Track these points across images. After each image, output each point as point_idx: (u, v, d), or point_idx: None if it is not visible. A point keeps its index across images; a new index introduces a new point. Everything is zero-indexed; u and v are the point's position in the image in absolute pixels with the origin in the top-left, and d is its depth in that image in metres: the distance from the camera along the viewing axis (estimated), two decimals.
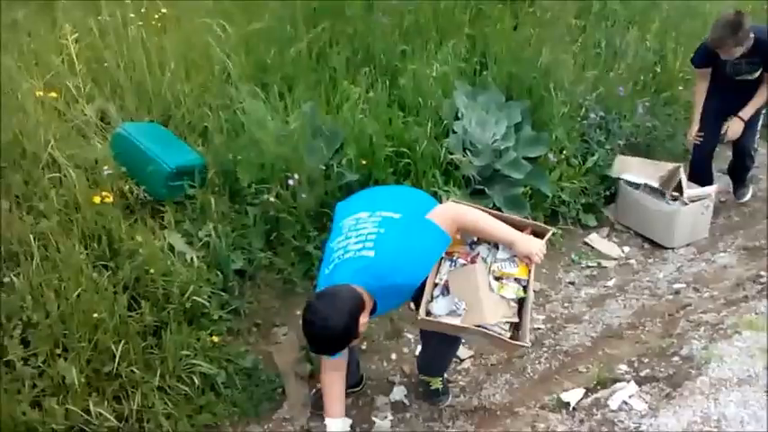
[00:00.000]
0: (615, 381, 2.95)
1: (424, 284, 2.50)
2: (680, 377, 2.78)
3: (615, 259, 4.27)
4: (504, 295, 2.55)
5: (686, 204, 4.20)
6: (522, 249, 2.53)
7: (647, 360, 3.06)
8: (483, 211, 2.62)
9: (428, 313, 2.50)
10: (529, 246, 2.54)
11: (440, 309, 2.52)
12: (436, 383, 3.11)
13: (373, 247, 2.35)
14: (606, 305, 3.79)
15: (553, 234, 4.10)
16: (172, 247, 3.01)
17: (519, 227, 2.64)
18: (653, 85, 4.86)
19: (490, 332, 2.46)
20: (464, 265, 2.59)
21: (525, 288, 2.60)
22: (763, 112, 4.35)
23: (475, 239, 2.68)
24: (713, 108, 4.26)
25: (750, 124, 4.23)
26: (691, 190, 4.27)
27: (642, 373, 2.94)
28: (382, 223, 2.43)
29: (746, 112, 4.14)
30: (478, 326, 2.45)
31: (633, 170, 4.40)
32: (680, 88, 4.90)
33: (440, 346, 2.91)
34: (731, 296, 3.42)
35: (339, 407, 2.54)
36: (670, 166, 4.35)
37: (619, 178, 4.40)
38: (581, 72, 4.48)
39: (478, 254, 2.62)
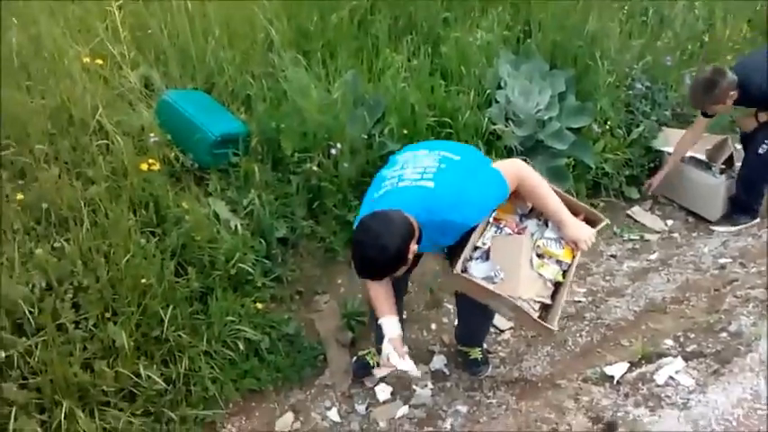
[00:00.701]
0: (660, 356, 2.92)
1: (463, 241, 2.43)
2: (728, 353, 2.74)
3: (658, 232, 4.20)
4: (542, 273, 2.50)
5: (732, 177, 4.09)
6: (572, 233, 2.47)
7: (693, 335, 3.02)
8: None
9: (464, 270, 2.45)
10: (579, 231, 2.48)
11: (477, 271, 2.46)
12: (475, 353, 3.11)
13: (433, 178, 2.29)
14: (649, 279, 3.74)
15: (594, 206, 4.10)
16: (217, 215, 3.03)
17: (574, 211, 2.57)
18: (700, 54, 4.71)
19: (520, 306, 2.43)
20: (510, 234, 2.56)
21: (565, 273, 2.54)
22: None
23: (526, 212, 2.63)
24: None
25: (765, 123, 3.86)
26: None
27: (689, 349, 2.91)
28: (443, 160, 2.37)
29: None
30: (510, 296, 2.41)
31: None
32: (728, 58, 4.73)
33: (475, 316, 2.90)
34: None
35: (390, 306, 2.51)
36: (717, 138, 4.22)
37: (663, 150, 4.28)
38: (627, 40, 4.36)
39: (527, 227, 2.58)
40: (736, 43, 4.85)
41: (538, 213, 2.63)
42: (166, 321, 2.70)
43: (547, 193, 2.47)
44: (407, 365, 2.42)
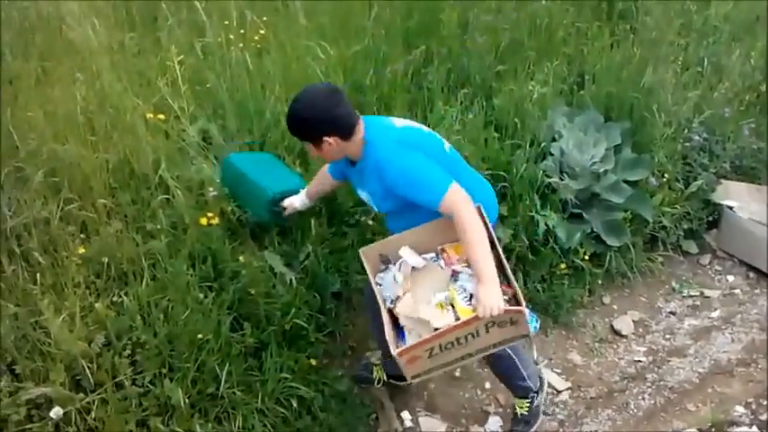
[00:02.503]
0: (732, 423, 2.80)
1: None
2: None
3: (719, 289, 4.06)
4: (431, 317, 2.33)
5: None
6: (481, 293, 2.23)
7: (765, 402, 2.88)
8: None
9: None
10: (488, 295, 2.22)
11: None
12: (522, 407, 3.00)
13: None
14: (712, 338, 3.61)
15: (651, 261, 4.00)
16: (272, 269, 3.02)
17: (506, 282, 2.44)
18: (758, 104, 4.61)
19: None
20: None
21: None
22: None
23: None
24: None
25: None
26: None
27: (762, 417, 2.78)
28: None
29: None
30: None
31: (738, 195, 4.19)
32: None
33: (496, 359, 2.83)
34: None
35: (313, 187, 2.89)
36: None
37: (722, 204, 4.17)
38: (683, 92, 4.29)
39: (461, 272, 2.45)
40: None
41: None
42: (222, 378, 2.67)
43: (474, 244, 2.27)
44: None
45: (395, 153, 2.37)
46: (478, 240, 2.28)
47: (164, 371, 2.65)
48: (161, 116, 3.25)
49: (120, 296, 2.73)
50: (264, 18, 4.02)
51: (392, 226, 2.64)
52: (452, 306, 2.37)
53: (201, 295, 2.78)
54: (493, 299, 2.21)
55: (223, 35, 3.67)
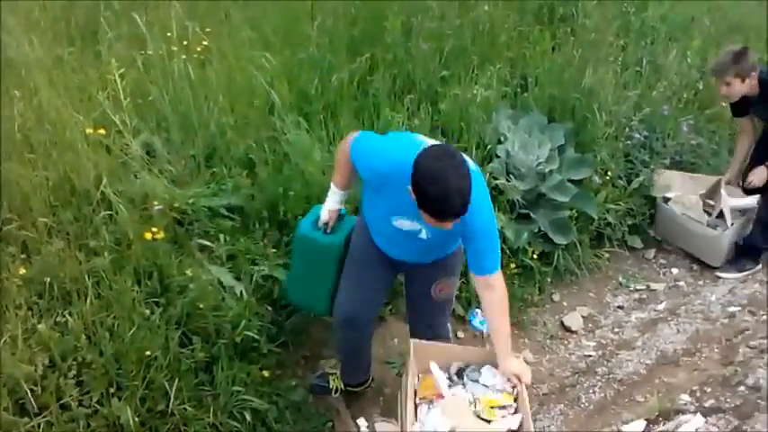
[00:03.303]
0: (678, 412, 2.87)
1: None
2: (748, 408, 2.69)
3: (664, 282, 4.17)
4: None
5: (728, 227, 4.10)
6: (515, 367, 2.48)
7: (709, 390, 2.97)
8: None
9: None
10: (521, 365, 2.52)
11: None
12: None
13: None
14: (658, 330, 3.70)
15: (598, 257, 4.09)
16: (221, 282, 2.99)
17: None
18: (696, 102, 4.77)
19: None
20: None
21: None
22: None
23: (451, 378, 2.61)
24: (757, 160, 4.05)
25: None
26: (733, 200, 4.16)
27: (707, 404, 2.86)
28: None
29: None
30: None
31: (674, 185, 4.32)
32: (723, 105, 4.79)
33: None
34: None
35: (346, 182, 2.69)
36: (712, 179, 4.28)
37: (658, 196, 4.30)
38: (623, 91, 4.41)
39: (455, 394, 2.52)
40: None
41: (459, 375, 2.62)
42: (172, 395, 2.63)
43: (507, 316, 2.50)
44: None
45: (484, 198, 2.36)
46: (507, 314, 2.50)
47: (111, 390, 2.59)
48: (102, 131, 3.19)
49: (64, 316, 2.66)
50: (208, 29, 3.99)
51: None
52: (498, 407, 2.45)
53: (148, 311, 2.73)
54: (523, 365, 2.55)
55: (165, 47, 3.63)
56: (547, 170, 3.94)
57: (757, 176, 3.88)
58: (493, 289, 2.44)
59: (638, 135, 4.29)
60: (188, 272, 2.91)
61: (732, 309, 3.73)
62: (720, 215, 4.18)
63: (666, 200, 4.28)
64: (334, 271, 2.82)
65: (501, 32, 4.39)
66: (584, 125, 4.17)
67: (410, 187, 2.18)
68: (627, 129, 4.28)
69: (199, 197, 3.24)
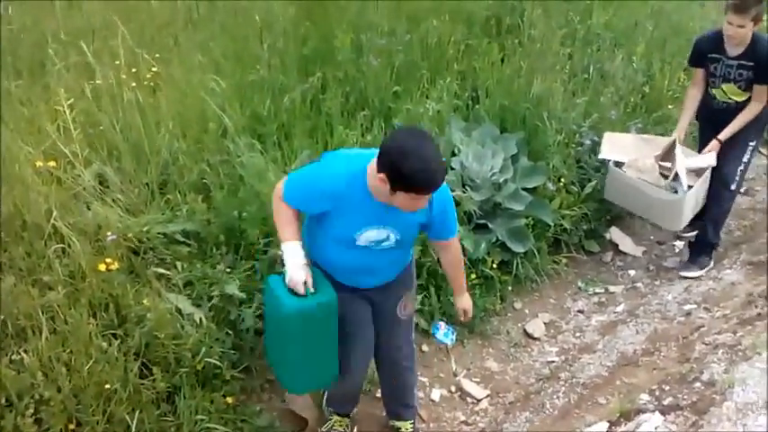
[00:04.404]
0: (638, 411, 2.92)
1: None
2: (704, 404, 2.75)
3: (622, 284, 4.26)
4: None
5: (688, 190, 3.90)
6: (463, 302, 2.93)
7: (667, 388, 3.03)
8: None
9: None
10: (468, 302, 2.95)
11: None
12: (406, 428, 3.10)
13: None
14: (618, 332, 3.77)
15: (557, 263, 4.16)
16: (179, 309, 2.97)
17: None
18: (643, 105, 4.89)
19: None
20: None
21: None
22: (751, 147, 3.98)
23: None
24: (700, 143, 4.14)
25: (732, 156, 3.92)
26: (690, 159, 4.01)
27: (665, 402, 2.91)
28: None
29: (725, 133, 3.87)
30: None
31: (625, 150, 4.15)
32: (670, 107, 4.93)
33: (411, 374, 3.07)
34: (744, 314, 3.41)
35: (295, 231, 2.53)
36: (665, 140, 4.11)
37: (608, 160, 4.13)
38: (572, 99, 4.51)
39: None
40: (676, 92, 5.05)
41: None
42: (134, 427, 2.60)
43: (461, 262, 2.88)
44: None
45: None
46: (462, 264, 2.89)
47: (71, 426, 2.55)
48: (52, 163, 3.16)
49: (19, 353, 2.61)
50: (157, 55, 3.98)
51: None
52: None
53: (105, 344, 2.70)
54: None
55: (114, 76, 3.61)
56: (501, 180, 4.00)
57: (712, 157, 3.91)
58: (450, 248, 2.71)
59: (588, 141, 4.38)
60: (145, 301, 2.88)
61: (688, 307, 3.82)
62: (677, 177, 3.99)
63: (618, 164, 4.10)
64: (336, 329, 2.60)
65: (450, 46, 4.45)
66: (536, 134, 4.24)
67: (382, 175, 2.20)
68: (577, 135, 4.37)
69: (153, 225, 3.22)
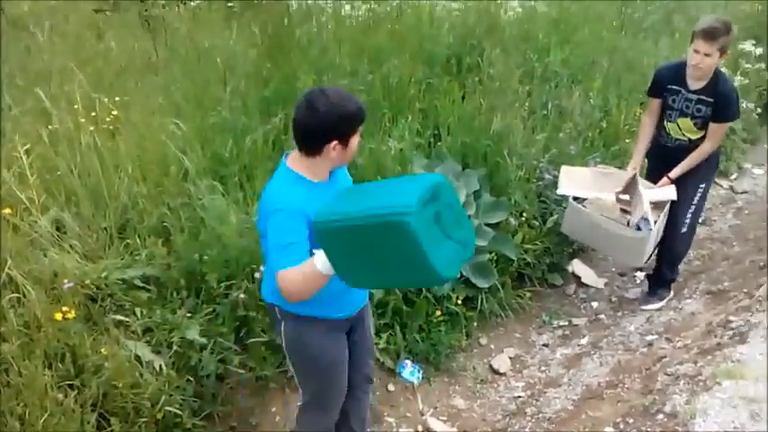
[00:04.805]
0: None
1: None
2: None
3: (585, 316, 4.30)
4: None
5: (652, 228, 3.82)
6: None
7: (631, 420, 3.06)
8: None
9: None
10: None
11: None
12: None
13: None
14: (583, 365, 3.80)
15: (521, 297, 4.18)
16: (138, 357, 2.91)
17: None
18: (601, 140, 5.00)
19: None
20: None
21: None
22: (701, 190, 3.93)
23: None
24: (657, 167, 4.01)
25: (682, 199, 3.87)
26: (650, 192, 3.90)
27: None
28: None
29: (676, 171, 3.83)
30: None
31: (583, 183, 4.09)
32: (627, 141, 5.05)
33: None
34: (704, 344, 3.46)
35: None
36: (623, 174, 4.02)
37: (567, 195, 4.07)
38: (531, 135, 4.59)
39: None
40: (632, 126, 5.18)
41: None
42: None
43: None
44: None
45: None
46: None
47: None
48: (8, 210, 3.11)
49: None
50: (117, 98, 3.97)
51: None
52: None
53: (61, 395, 2.63)
54: None
55: (72, 120, 3.58)
56: None
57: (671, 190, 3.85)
58: None
59: (548, 175, 4.45)
60: (103, 350, 2.83)
61: (650, 337, 3.86)
62: (641, 213, 3.88)
63: (577, 199, 4.04)
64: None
65: (411, 86, 4.51)
66: (497, 169, 4.30)
67: (334, 141, 2.22)
68: (538, 170, 4.44)
69: (112, 270, 3.17)
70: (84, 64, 3.95)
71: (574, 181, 4.11)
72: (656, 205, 3.96)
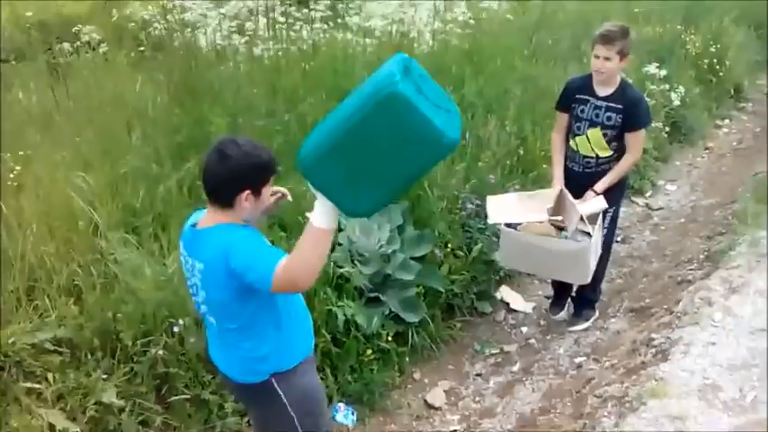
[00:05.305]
0: None
1: None
2: None
3: (516, 342, 4.33)
4: None
5: (592, 236, 3.70)
6: None
7: None
8: None
9: None
10: None
11: None
12: None
13: None
14: (516, 392, 3.81)
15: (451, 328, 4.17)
16: (53, 426, 2.75)
17: None
18: (519, 167, 5.10)
19: None
20: None
21: None
22: (609, 215, 3.90)
23: None
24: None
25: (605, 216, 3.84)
26: (583, 206, 3.73)
27: None
28: None
29: (601, 184, 3.76)
30: None
31: (511, 209, 3.94)
32: (544, 166, 5.16)
33: None
34: (629, 363, 3.52)
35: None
36: (548, 193, 3.93)
37: (498, 224, 3.94)
38: (451, 166, 4.63)
39: None
40: (548, 152, 5.28)
41: None
42: None
43: None
44: None
45: None
46: None
47: None
48: None
49: None
50: (21, 152, 3.79)
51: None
52: None
53: None
54: None
55: None
56: (390, 251, 4.02)
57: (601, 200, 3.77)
58: None
59: (470, 205, 4.49)
60: (13, 421, 2.66)
61: (579, 359, 3.92)
62: (575, 223, 3.75)
63: (510, 225, 3.88)
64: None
65: None
66: (419, 202, 4.32)
67: (246, 191, 2.15)
68: (460, 200, 4.48)
69: (20, 335, 3.00)
70: None
71: (502, 208, 4.00)
72: (590, 219, 3.80)
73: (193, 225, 2.30)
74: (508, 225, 3.91)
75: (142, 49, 5.82)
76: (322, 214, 2.04)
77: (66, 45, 6.13)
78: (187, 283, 2.37)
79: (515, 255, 3.97)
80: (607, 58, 3.63)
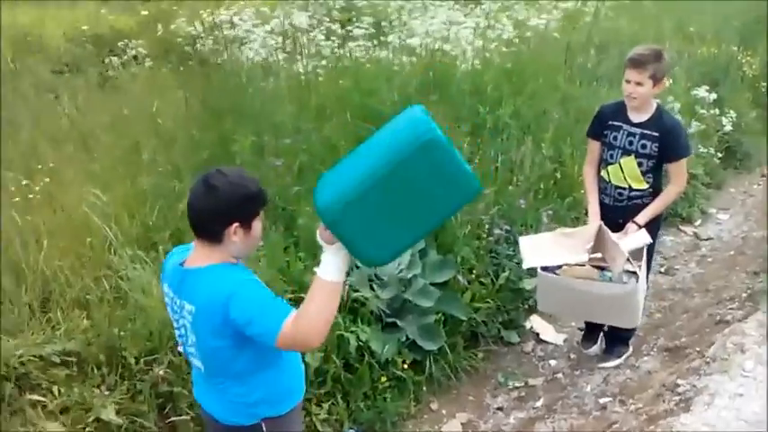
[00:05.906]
0: None
1: None
2: None
3: (543, 375, 4.13)
4: None
5: (638, 274, 3.48)
6: None
7: None
8: None
9: None
10: None
11: None
12: None
13: None
14: (536, 430, 3.62)
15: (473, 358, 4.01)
16: None
17: None
18: (555, 191, 4.92)
19: None
20: None
21: None
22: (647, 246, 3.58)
23: None
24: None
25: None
26: (623, 242, 3.48)
27: None
28: None
29: (643, 215, 3.55)
30: None
31: (549, 252, 3.60)
32: (581, 191, 4.95)
33: None
34: (652, 410, 3.31)
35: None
36: (585, 230, 3.65)
37: (536, 267, 3.63)
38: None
39: None
40: None
41: None
42: None
43: None
44: None
45: None
46: None
47: None
48: None
49: None
50: (40, 166, 3.86)
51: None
52: None
53: None
54: None
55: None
56: (409, 276, 3.92)
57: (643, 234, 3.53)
58: None
59: (498, 230, 4.35)
60: None
61: (604, 400, 3.70)
62: (621, 263, 3.51)
63: (547, 268, 3.63)
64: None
65: (352, 145, 4.43)
66: (443, 226, 4.19)
67: (235, 224, 2.04)
68: (487, 225, 4.33)
69: (30, 347, 3.02)
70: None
71: (537, 250, 3.63)
72: (633, 255, 3.54)
73: (180, 263, 2.17)
74: (544, 268, 3.64)
75: (190, 62, 5.90)
76: (334, 265, 1.96)
77: (115, 59, 6.31)
78: (172, 320, 2.27)
79: (555, 300, 3.71)
80: (639, 83, 3.44)
